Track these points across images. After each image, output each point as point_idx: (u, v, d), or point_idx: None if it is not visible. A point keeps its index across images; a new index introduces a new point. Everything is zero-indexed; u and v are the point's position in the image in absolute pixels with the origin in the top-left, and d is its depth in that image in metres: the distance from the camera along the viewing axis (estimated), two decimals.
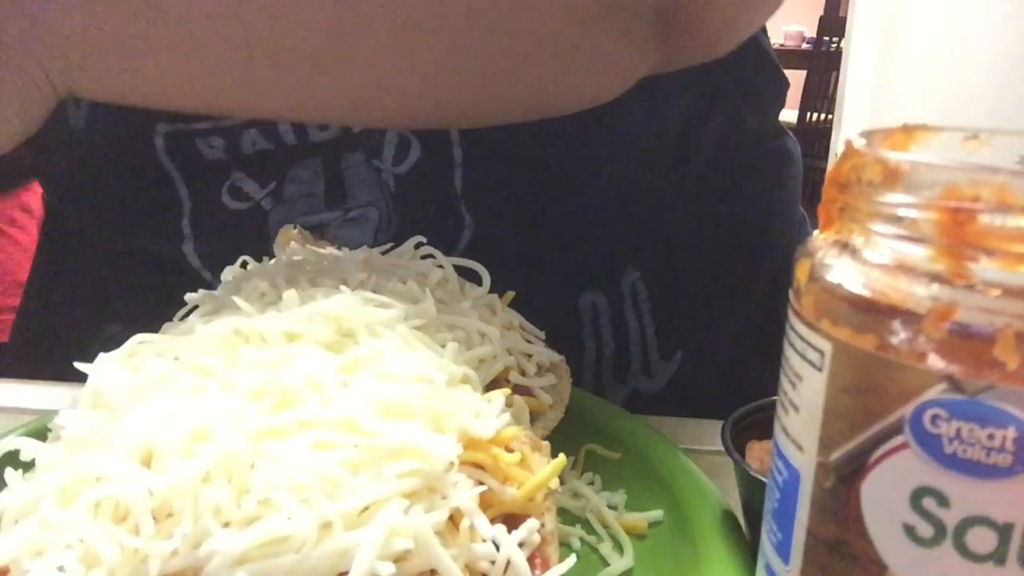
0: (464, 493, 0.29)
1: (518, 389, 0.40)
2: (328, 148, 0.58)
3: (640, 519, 0.40)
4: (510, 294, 0.46)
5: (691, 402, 0.55)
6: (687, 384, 0.62)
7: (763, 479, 0.32)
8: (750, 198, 0.65)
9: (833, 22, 3.89)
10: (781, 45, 5.24)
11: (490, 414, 0.33)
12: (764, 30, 0.65)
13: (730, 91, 0.63)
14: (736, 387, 0.63)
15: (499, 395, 0.35)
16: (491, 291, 0.44)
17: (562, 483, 0.42)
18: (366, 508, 0.27)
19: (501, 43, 0.44)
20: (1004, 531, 0.21)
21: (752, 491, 0.37)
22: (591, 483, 0.43)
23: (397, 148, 0.57)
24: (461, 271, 0.45)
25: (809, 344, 0.25)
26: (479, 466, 0.31)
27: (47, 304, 0.69)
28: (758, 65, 0.65)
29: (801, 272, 0.25)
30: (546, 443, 0.34)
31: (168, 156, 0.58)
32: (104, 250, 0.64)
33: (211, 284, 0.56)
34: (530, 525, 0.30)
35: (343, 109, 0.47)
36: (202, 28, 0.40)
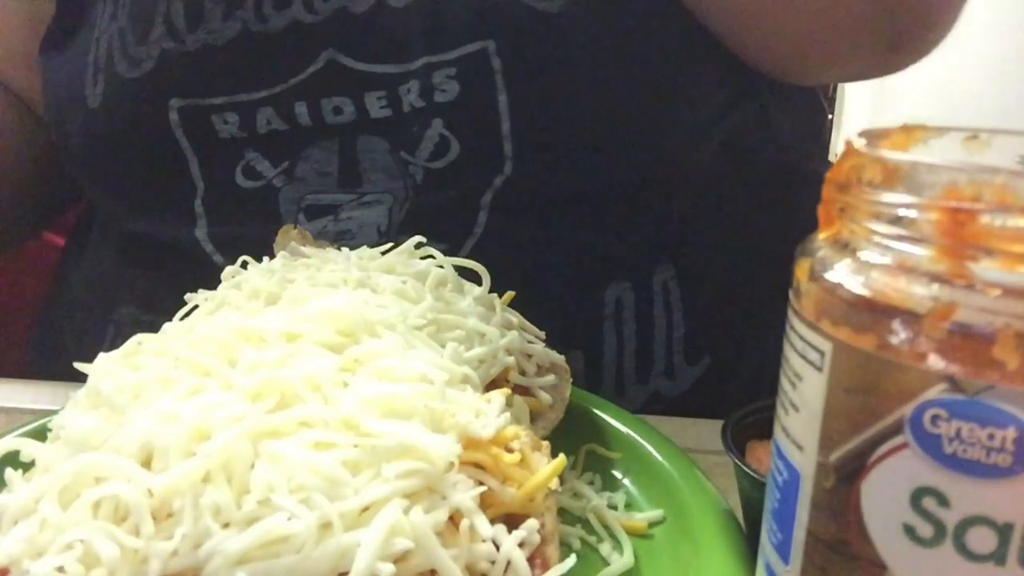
0: (464, 493, 0.29)
1: (518, 389, 0.40)
2: (343, 131, 0.57)
3: (640, 519, 0.40)
4: (510, 294, 0.46)
5: (713, 409, 0.53)
6: (710, 390, 0.61)
7: (763, 479, 0.32)
8: (805, 215, 0.65)
9: None
10: None
11: (490, 414, 0.33)
12: None
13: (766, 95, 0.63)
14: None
15: (499, 395, 0.35)
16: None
17: (562, 483, 0.42)
18: (366, 508, 0.27)
19: None
20: (1004, 531, 0.21)
21: (752, 491, 0.37)
22: (591, 483, 0.43)
23: (436, 146, 0.56)
24: (461, 271, 0.45)
25: (809, 344, 0.25)
26: (479, 466, 0.31)
27: (67, 287, 0.69)
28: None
29: (801, 272, 0.25)
30: (546, 443, 0.34)
31: (183, 132, 0.58)
32: (120, 232, 0.64)
33: (222, 268, 0.57)
34: (530, 525, 0.30)
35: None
36: None
